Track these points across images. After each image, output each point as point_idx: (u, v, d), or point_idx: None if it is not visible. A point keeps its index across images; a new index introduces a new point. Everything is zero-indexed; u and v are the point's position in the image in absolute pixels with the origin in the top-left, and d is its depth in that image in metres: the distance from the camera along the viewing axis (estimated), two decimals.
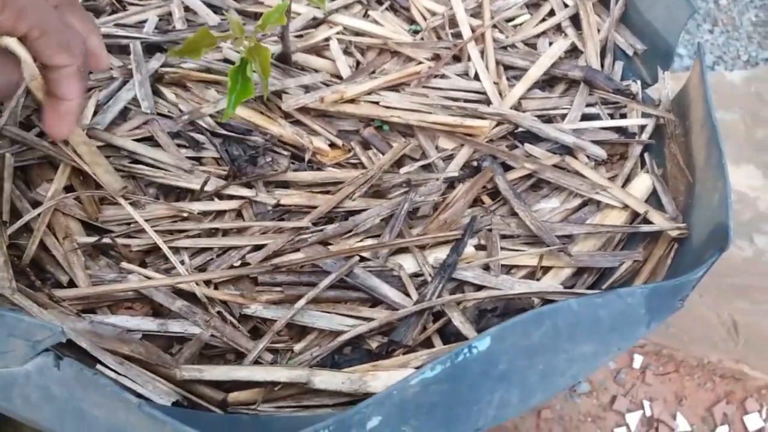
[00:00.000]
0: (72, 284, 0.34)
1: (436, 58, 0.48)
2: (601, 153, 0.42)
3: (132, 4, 0.49)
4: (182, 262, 0.35)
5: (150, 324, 0.33)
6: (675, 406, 0.85)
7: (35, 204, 0.36)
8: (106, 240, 0.35)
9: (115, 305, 0.33)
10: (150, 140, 0.41)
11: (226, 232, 0.37)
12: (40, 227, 0.34)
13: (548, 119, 0.45)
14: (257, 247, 0.36)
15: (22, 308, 0.31)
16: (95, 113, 0.41)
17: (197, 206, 0.37)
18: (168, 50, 0.44)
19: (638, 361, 0.88)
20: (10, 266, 0.32)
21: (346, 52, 0.48)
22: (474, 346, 0.26)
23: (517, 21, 0.51)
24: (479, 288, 0.36)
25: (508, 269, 0.37)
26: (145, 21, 0.47)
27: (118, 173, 0.38)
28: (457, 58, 0.49)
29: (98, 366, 0.30)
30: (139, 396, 0.29)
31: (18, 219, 0.35)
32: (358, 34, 0.49)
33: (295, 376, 0.31)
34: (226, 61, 0.46)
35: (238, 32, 0.39)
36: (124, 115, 0.42)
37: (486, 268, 0.37)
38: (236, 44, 0.40)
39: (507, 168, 0.42)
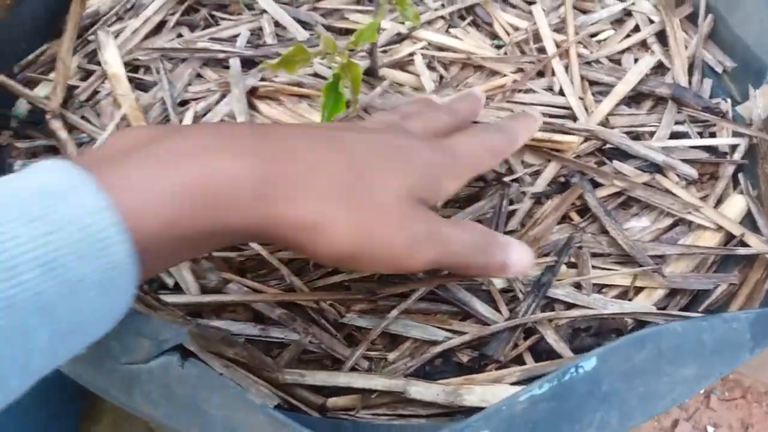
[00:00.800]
0: (177, 287, 0.35)
1: (520, 72, 0.48)
2: (692, 172, 0.42)
3: (224, 19, 0.51)
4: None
5: (252, 329, 0.34)
6: None
7: None
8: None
9: (220, 310, 0.35)
10: None
11: None
12: None
13: (636, 136, 0.45)
14: None
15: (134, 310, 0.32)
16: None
17: None
18: (261, 63, 0.46)
19: None
20: None
21: (430, 66, 0.49)
22: (581, 366, 0.27)
23: (601, 36, 0.51)
24: (570, 306, 0.36)
25: (599, 288, 0.37)
26: (237, 35, 0.49)
27: None
28: (541, 74, 0.49)
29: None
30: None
31: None
32: (441, 49, 0.50)
33: (391, 385, 0.32)
34: (316, 75, 0.47)
35: (330, 48, 0.40)
36: None
37: (577, 286, 0.37)
38: (328, 60, 0.41)
39: (596, 185, 0.42)
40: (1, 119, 0.43)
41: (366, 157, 0.28)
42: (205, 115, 0.44)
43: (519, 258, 0.31)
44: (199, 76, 0.47)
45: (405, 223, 0.28)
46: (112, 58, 0.44)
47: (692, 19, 0.51)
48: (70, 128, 0.42)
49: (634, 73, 0.47)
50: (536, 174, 0.42)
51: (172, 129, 0.27)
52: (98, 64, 0.46)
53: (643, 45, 0.50)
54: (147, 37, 0.48)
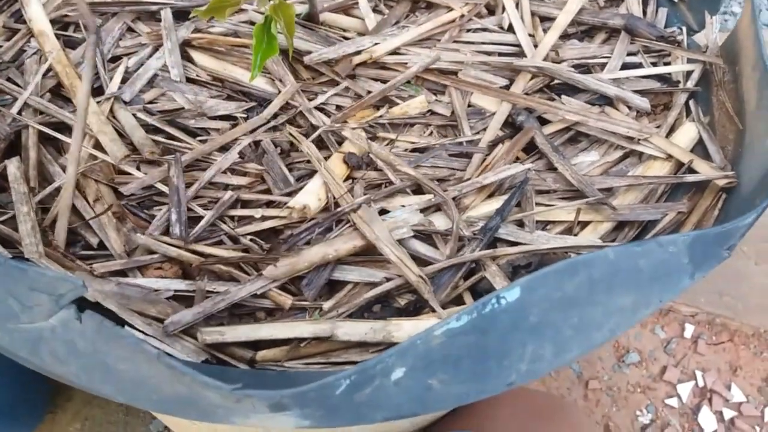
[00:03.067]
0: (102, 246, 0.34)
1: (468, 9, 0.46)
2: (643, 103, 0.40)
3: None
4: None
5: (179, 284, 0.33)
6: (729, 377, 0.82)
7: (65, 169, 0.36)
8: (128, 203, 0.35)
9: (145, 267, 0.33)
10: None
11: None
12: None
13: (587, 69, 0.43)
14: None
15: (41, 266, 0.31)
16: (123, 81, 0.41)
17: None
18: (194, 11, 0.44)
19: (689, 330, 0.85)
20: (38, 231, 0.33)
21: (376, 10, 0.47)
22: (502, 297, 0.25)
23: None
24: (513, 244, 0.35)
25: (543, 225, 0.36)
26: None
27: (122, 141, 0.37)
28: (491, 12, 0.47)
29: (126, 327, 0.30)
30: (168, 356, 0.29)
31: (49, 184, 0.35)
32: None
33: (318, 330, 0.31)
34: (251, 23, 0.45)
35: None
36: (151, 83, 0.41)
37: (520, 224, 0.35)
38: (261, 3, 0.39)
39: (543, 122, 0.40)
40: None
41: None
42: (137, 70, 0.42)
43: None
44: (130, 30, 0.44)
45: None
46: (36, 15, 0.42)
47: None
48: None
49: (574, 2, 0.45)
50: (483, 116, 0.41)
51: None
52: (24, 22, 0.44)
53: None
54: None
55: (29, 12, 0.43)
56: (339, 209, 0.34)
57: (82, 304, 0.25)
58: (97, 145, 0.37)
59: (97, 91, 0.40)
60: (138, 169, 0.36)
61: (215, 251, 0.33)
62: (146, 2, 0.45)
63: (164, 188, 0.36)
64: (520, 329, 0.26)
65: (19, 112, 0.38)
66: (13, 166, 0.34)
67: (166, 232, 0.34)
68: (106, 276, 0.32)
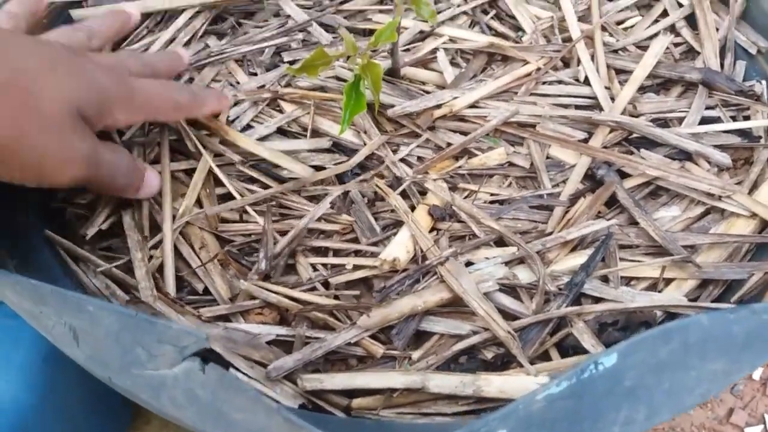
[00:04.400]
0: (206, 291, 0.36)
1: (544, 62, 0.47)
2: (724, 159, 0.40)
3: (251, 26, 0.51)
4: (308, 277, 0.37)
5: (279, 330, 0.35)
6: None
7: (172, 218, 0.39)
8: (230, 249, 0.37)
9: (247, 313, 0.35)
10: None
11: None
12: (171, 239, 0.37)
13: (664, 123, 0.44)
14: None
15: (163, 314, 0.34)
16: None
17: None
18: (286, 69, 0.46)
19: (758, 372, 0.83)
20: (151, 276, 0.35)
21: (453, 63, 0.49)
22: (600, 362, 0.26)
23: (627, 23, 0.50)
24: (597, 300, 0.36)
25: (627, 281, 0.37)
26: (265, 40, 0.49)
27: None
28: (566, 64, 0.48)
29: (231, 369, 0.32)
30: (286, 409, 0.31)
31: (159, 231, 0.38)
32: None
33: (410, 381, 0.32)
34: (338, 78, 0.47)
35: (351, 50, 0.40)
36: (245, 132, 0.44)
37: (604, 279, 0.36)
38: (350, 62, 0.41)
39: (623, 175, 0.41)
40: None
41: (32, 62, 0.29)
42: (233, 121, 0.44)
43: (151, 183, 0.37)
44: (217, 80, 0.47)
45: (65, 136, 0.29)
46: None
47: (724, 0, 0.49)
48: None
49: (651, 56, 0.46)
50: (562, 169, 0.42)
51: None
52: None
53: (672, 30, 0.49)
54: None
55: None
56: (427, 262, 0.36)
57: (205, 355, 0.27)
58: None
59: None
60: (240, 217, 0.39)
61: (312, 298, 0.35)
62: (240, 58, 0.48)
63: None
64: (615, 393, 0.27)
65: None
66: (128, 216, 0.37)
67: (266, 278, 0.37)
68: (213, 321, 0.34)
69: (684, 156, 0.41)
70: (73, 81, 0.30)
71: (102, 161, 0.32)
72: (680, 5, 0.50)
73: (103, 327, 0.28)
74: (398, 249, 0.36)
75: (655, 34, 0.49)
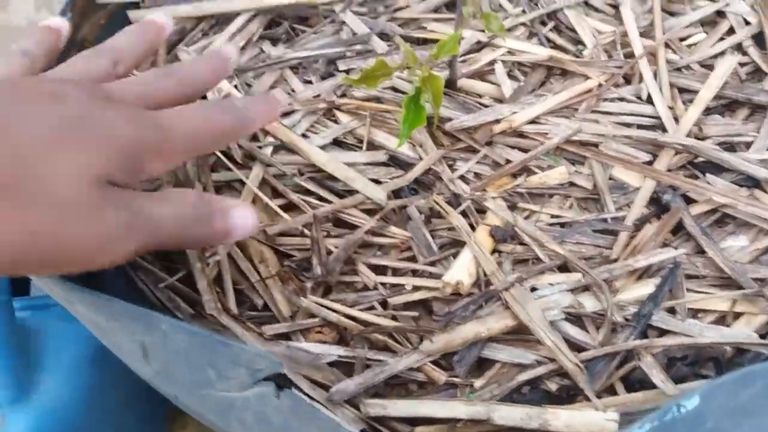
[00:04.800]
0: (266, 308, 0.36)
1: (606, 78, 0.46)
2: None
3: (305, 32, 0.51)
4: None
5: (339, 351, 0.34)
6: None
7: None
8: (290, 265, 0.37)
9: (307, 331, 0.35)
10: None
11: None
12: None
13: (731, 147, 0.43)
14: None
15: (230, 330, 0.33)
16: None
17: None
18: (343, 79, 0.46)
19: None
20: (214, 289, 0.35)
21: (511, 75, 0.48)
22: (683, 405, 0.26)
23: (691, 40, 0.49)
24: (664, 332, 0.35)
25: (694, 313, 0.36)
26: (321, 47, 0.49)
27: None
28: (628, 81, 0.47)
29: (293, 389, 0.32)
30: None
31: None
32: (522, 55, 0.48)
33: (474, 412, 0.31)
34: (394, 89, 0.47)
35: (411, 62, 0.40)
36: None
37: (671, 311, 0.35)
38: (410, 73, 0.41)
39: (688, 201, 0.40)
40: None
41: (37, 139, 0.24)
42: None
43: (242, 221, 0.29)
44: (275, 87, 0.47)
45: (93, 213, 0.24)
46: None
47: None
48: None
49: (717, 77, 0.45)
50: (626, 191, 0.41)
51: None
52: None
53: (739, 48, 0.48)
54: None
55: None
56: (492, 287, 0.35)
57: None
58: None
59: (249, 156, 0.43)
60: (301, 232, 0.39)
61: (371, 318, 0.35)
62: (295, 65, 0.48)
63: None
64: None
65: None
66: None
67: (325, 292, 0.36)
68: (274, 339, 0.34)
69: (752, 183, 0.40)
70: (91, 146, 0.25)
71: (153, 220, 0.27)
72: (747, 23, 0.48)
73: (174, 345, 0.28)
74: (461, 272, 0.35)
75: (721, 53, 0.47)
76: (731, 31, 0.48)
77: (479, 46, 0.49)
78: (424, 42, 0.51)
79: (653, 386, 0.33)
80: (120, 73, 0.32)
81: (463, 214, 0.40)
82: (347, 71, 0.48)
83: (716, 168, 0.41)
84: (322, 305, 0.35)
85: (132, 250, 0.26)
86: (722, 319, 0.35)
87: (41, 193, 0.24)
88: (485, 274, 0.36)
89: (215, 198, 0.30)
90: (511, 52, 0.49)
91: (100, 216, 0.24)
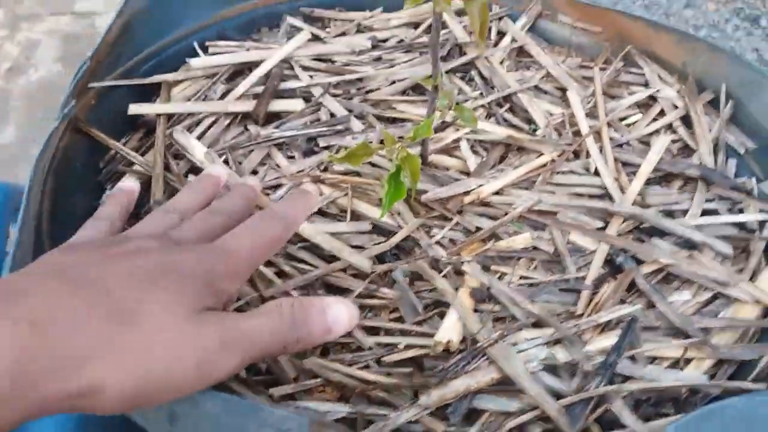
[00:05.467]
0: (268, 371, 0.39)
1: (558, 153, 0.52)
2: (727, 250, 0.45)
3: (284, 112, 0.55)
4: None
5: (343, 408, 0.37)
6: None
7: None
8: None
9: (311, 391, 0.38)
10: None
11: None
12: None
13: (669, 213, 0.49)
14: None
15: (239, 393, 0.36)
16: None
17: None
18: (328, 156, 0.50)
19: None
20: None
21: (474, 150, 0.54)
22: None
23: (629, 120, 0.56)
24: (626, 378, 0.39)
25: (651, 360, 0.41)
26: (302, 126, 0.53)
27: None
28: (576, 156, 0.53)
29: None
30: None
31: None
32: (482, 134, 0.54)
33: None
34: (372, 165, 0.51)
35: (390, 143, 0.44)
36: None
37: (632, 358, 0.40)
38: (389, 153, 0.45)
39: (638, 262, 0.45)
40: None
41: (128, 291, 0.27)
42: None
43: (338, 319, 0.31)
44: (263, 163, 0.51)
45: (191, 343, 0.27)
46: (203, 156, 0.49)
47: (714, 104, 0.55)
48: None
49: (655, 153, 0.52)
50: (582, 254, 0.46)
51: None
52: (176, 156, 0.50)
53: (670, 128, 0.55)
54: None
55: (195, 153, 0.49)
56: (479, 344, 0.39)
57: None
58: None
59: None
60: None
61: (369, 376, 0.38)
62: (279, 143, 0.51)
63: None
64: None
65: None
66: None
67: (323, 353, 0.39)
68: (281, 401, 0.37)
69: (690, 245, 0.46)
70: (179, 285, 0.28)
71: (248, 335, 0.29)
72: (675, 107, 0.56)
73: (204, 411, 0.30)
74: (450, 332, 0.39)
75: (656, 131, 0.54)
76: (662, 112, 0.56)
77: (443, 125, 0.55)
78: (394, 120, 0.56)
79: (624, 426, 0.37)
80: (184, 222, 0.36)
81: (444, 276, 0.44)
82: (327, 147, 0.52)
83: (659, 233, 0.47)
84: (324, 366, 0.38)
85: (234, 366, 0.28)
86: (676, 364, 0.40)
87: (138, 333, 0.26)
88: (471, 334, 0.40)
89: (309, 300, 0.32)
90: (473, 131, 0.54)
91: (197, 344, 0.27)
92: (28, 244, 0.39)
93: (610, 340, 0.41)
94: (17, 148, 1.18)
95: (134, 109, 0.51)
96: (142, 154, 0.51)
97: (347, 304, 0.32)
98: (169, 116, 0.53)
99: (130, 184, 0.42)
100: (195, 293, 0.28)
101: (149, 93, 0.54)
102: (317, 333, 0.31)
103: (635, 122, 0.56)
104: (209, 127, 0.52)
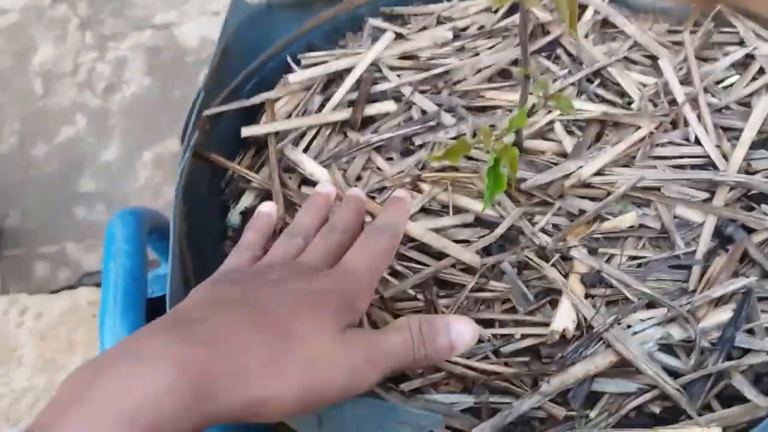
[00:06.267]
0: None
1: (655, 125, 0.52)
2: None
3: (379, 115, 0.58)
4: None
5: (467, 398, 0.40)
6: None
7: None
8: None
9: (437, 384, 0.41)
10: None
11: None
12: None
13: None
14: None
15: (373, 391, 0.39)
16: None
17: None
18: (426, 156, 0.52)
19: None
20: None
21: (568, 131, 0.54)
22: None
23: (726, 83, 0.55)
24: (746, 351, 0.40)
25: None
26: (396, 127, 0.56)
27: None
28: (674, 126, 0.53)
29: None
30: None
31: None
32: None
33: None
34: (468, 157, 0.53)
35: (487, 136, 0.46)
36: None
37: (750, 331, 0.40)
38: (486, 146, 0.47)
39: (749, 231, 0.45)
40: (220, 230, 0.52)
41: (282, 314, 0.31)
42: (381, 203, 0.50)
43: (461, 335, 0.33)
44: (366, 168, 0.54)
45: (340, 359, 0.30)
46: (315, 168, 0.53)
47: None
48: None
49: (757, 115, 0.50)
50: (689, 227, 0.46)
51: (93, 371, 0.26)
52: (287, 170, 0.54)
53: None
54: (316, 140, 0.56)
55: (308, 168, 0.53)
56: (594, 330, 0.41)
57: None
58: None
59: None
60: (414, 296, 0.45)
61: (489, 367, 0.41)
62: (377, 146, 0.54)
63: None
64: None
65: None
66: None
67: None
68: (412, 395, 0.40)
69: None
70: (320, 307, 0.32)
71: (387, 350, 0.32)
72: None
73: (348, 413, 0.33)
74: (565, 320, 0.41)
75: (756, 92, 0.53)
76: (762, 71, 0.54)
77: (534, 109, 0.56)
78: (483, 109, 0.57)
79: (746, 400, 0.38)
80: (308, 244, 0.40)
81: (552, 265, 0.46)
82: (422, 145, 0.55)
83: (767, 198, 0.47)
84: (448, 360, 0.41)
85: (375, 380, 0.31)
86: None
87: (299, 351, 0.29)
88: (585, 319, 0.41)
89: (435, 318, 0.34)
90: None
91: (346, 359, 0.30)
92: (176, 267, 0.44)
93: (725, 314, 0.41)
94: (121, 165, 1.27)
95: (246, 131, 0.55)
96: (257, 171, 0.55)
97: (469, 321, 0.34)
98: (276, 132, 0.57)
99: (267, 209, 0.45)
100: (337, 314, 0.32)
101: (254, 112, 0.58)
102: (443, 350, 0.33)
103: (733, 84, 0.54)
104: (313, 138, 0.56)
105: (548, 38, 0.60)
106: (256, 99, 0.57)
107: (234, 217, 0.53)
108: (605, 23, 0.60)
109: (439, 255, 0.48)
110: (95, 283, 1.07)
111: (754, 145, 0.50)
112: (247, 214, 0.53)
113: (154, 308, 0.46)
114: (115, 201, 1.22)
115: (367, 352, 0.31)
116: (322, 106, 0.58)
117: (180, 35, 1.46)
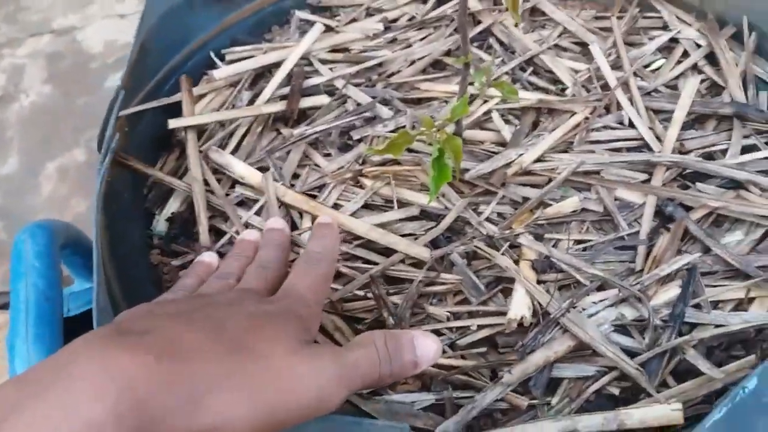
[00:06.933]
0: None
1: (590, 111, 0.53)
2: None
3: (312, 110, 0.55)
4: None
5: (428, 396, 0.38)
6: None
7: None
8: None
9: (393, 385, 0.39)
10: None
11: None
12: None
13: (709, 156, 0.49)
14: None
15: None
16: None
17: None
18: (367, 150, 0.51)
19: None
20: None
21: (505, 120, 0.54)
22: (745, 387, 0.31)
23: (653, 66, 0.56)
24: (694, 326, 0.40)
25: (714, 304, 0.42)
26: (333, 120, 0.54)
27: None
28: (608, 110, 0.53)
29: None
30: None
31: None
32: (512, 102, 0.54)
33: (563, 427, 0.36)
34: (410, 150, 0.52)
35: (429, 127, 0.45)
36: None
37: (697, 306, 0.41)
38: (428, 138, 0.46)
39: (687, 209, 0.46)
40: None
41: (242, 330, 0.28)
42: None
43: (426, 352, 0.32)
44: (302, 165, 0.51)
45: (306, 376, 0.28)
46: (245, 170, 0.50)
47: (736, 38, 0.55)
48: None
49: (686, 96, 0.52)
50: (630, 209, 0.47)
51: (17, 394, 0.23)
52: (216, 171, 0.51)
53: (695, 68, 0.55)
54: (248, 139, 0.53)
55: (236, 169, 0.50)
56: (551, 316, 0.40)
57: None
58: None
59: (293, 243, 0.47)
60: (364, 295, 0.43)
61: (447, 361, 0.39)
62: (312, 140, 0.52)
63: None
64: (757, 410, 0.31)
65: None
66: None
67: None
68: (370, 397, 0.38)
69: (735, 184, 0.47)
70: (277, 324, 0.30)
71: (354, 365, 0.30)
72: (698, 46, 0.56)
73: (311, 429, 0.31)
74: (521, 307, 0.40)
75: (682, 74, 0.54)
76: (686, 54, 0.56)
77: (471, 99, 0.55)
78: (419, 101, 0.56)
79: (700, 374, 0.38)
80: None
81: (502, 253, 0.45)
82: (360, 140, 0.53)
83: (702, 176, 0.48)
84: None
85: (344, 397, 0.29)
86: (739, 305, 0.41)
87: (259, 371, 0.27)
88: (541, 305, 0.41)
89: (400, 334, 0.32)
90: (503, 100, 0.54)
91: (316, 374, 0.28)
92: (102, 282, 0.40)
93: (673, 291, 0.42)
94: (22, 178, 1.18)
95: (174, 123, 0.51)
96: (183, 174, 0.52)
97: (432, 337, 0.33)
98: (200, 133, 0.53)
99: (209, 259, 0.42)
100: (297, 332, 0.30)
101: (177, 112, 0.54)
102: (408, 367, 0.32)
103: (660, 68, 0.55)
104: (243, 137, 0.53)
105: (479, 27, 0.60)
106: (178, 96, 0.54)
107: (160, 224, 0.49)
108: (534, 11, 0.61)
109: (386, 251, 0.46)
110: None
111: (685, 126, 0.51)
112: (174, 219, 0.50)
113: (71, 329, 0.42)
114: (17, 216, 1.13)
115: (336, 369, 0.29)
116: (251, 102, 0.55)
117: (83, 40, 1.37)
